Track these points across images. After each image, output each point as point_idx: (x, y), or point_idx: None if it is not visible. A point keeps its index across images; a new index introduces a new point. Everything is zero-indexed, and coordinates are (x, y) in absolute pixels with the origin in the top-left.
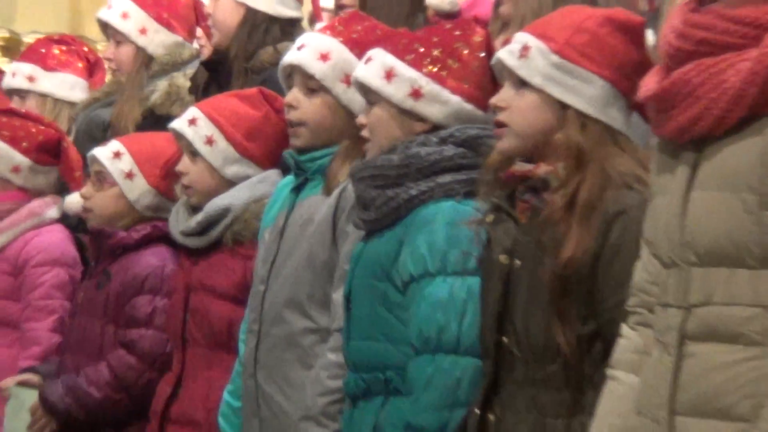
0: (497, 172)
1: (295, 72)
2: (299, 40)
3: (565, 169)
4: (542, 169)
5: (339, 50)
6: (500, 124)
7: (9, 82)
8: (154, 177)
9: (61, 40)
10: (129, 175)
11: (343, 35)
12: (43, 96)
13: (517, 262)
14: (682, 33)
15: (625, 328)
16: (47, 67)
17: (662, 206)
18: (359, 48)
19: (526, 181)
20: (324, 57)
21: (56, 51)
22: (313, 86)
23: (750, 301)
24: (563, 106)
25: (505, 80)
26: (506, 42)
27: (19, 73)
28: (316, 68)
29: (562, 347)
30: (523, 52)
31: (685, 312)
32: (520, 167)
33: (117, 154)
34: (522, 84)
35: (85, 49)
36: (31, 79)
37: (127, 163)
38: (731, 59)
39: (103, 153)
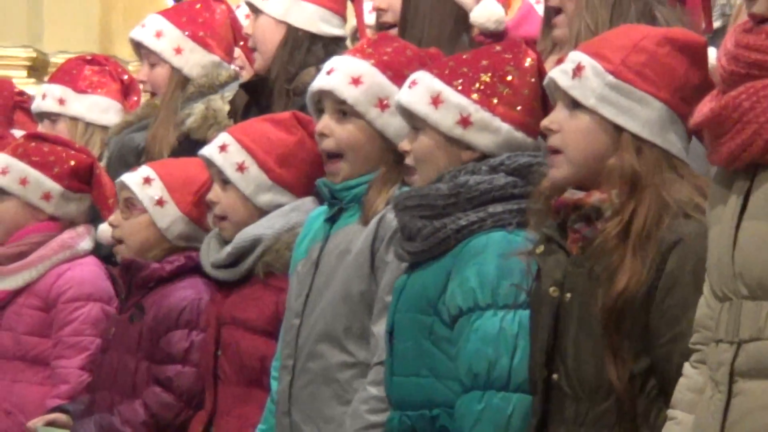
0: (548, 200)
1: (326, 98)
2: (327, 64)
3: (619, 196)
4: (595, 197)
5: (371, 73)
6: (554, 149)
7: (39, 104)
8: (185, 204)
9: (93, 61)
10: (159, 202)
11: (373, 57)
12: (74, 119)
13: (568, 295)
14: (735, 55)
15: (687, 367)
16: (78, 89)
17: (715, 237)
18: (391, 70)
19: (578, 209)
20: (356, 81)
21: (88, 72)
22: (345, 112)
23: None
24: (618, 129)
25: (557, 101)
26: (560, 61)
27: (49, 96)
28: (348, 93)
29: (615, 384)
30: (576, 71)
31: (735, 347)
32: (572, 195)
33: (147, 180)
34: (575, 105)
35: (119, 69)
36: (61, 101)
37: (157, 189)
38: None
39: (132, 179)
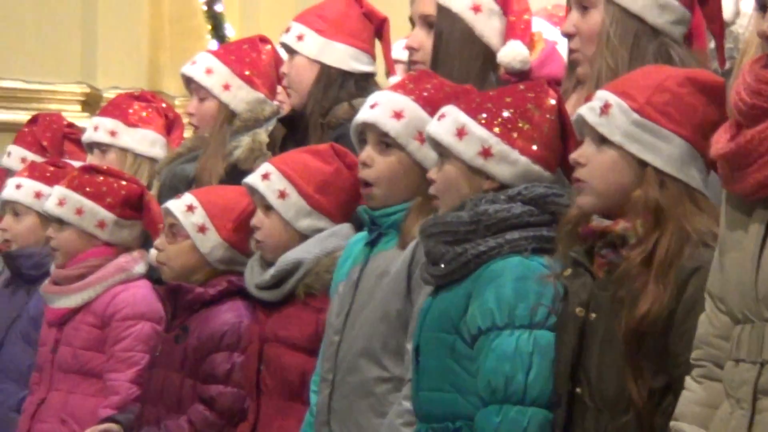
0: (576, 227)
1: (369, 130)
2: (371, 99)
3: (643, 226)
4: (620, 225)
5: (412, 108)
6: (579, 180)
7: (91, 135)
8: (226, 230)
9: (141, 97)
10: (202, 229)
11: (414, 93)
12: (124, 151)
13: (593, 315)
14: (757, 90)
15: (689, 381)
16: (129, 123)
17: (734, 262)
18: (431, 106)
19: (605, 236)
20: (397, 115)
21: (137, 107)
22: (387, 144)
23: None
24: (642, 164)
25: (585, 136)
26: (588, 99)
27: (101, 128)
28: (390, 126)
29: (635, 399)
30: (604, 109)
31: (759, 367)
32: (599, 223)
33: (190, 208)
34: (602, 141)
35: (164, 105)
36: (113, 133)
37: (199, 216)
38: None
39: (176, 206)
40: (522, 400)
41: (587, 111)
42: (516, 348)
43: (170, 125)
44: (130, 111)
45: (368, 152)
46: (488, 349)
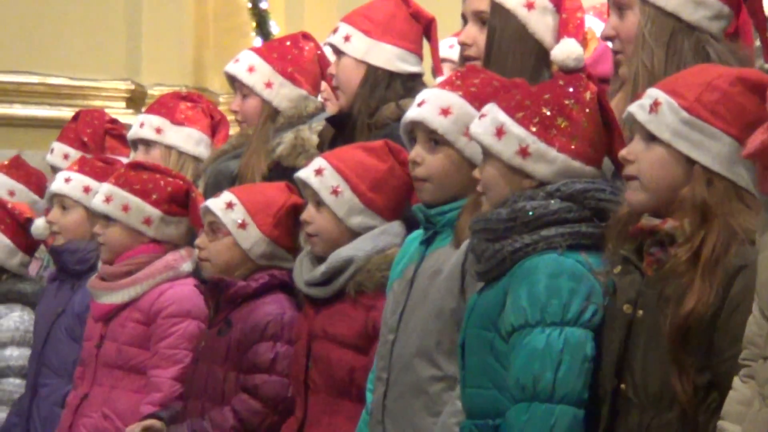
0: (626, 225)
1: (418, 128)
2: (419, 97)
3: (690, 224)
4: (669, 224)
5: (459, 104)
6: (629, 177)
7: (137, 131)
8: (266, 226)
9: (188, 97)
10: (242, 225)
11: (462, 89)
12: (169, 148)
13: (640, 312)
14: None
15: (736, 380)
16: (175, 121)
17: (765, 262)
18: (479, 101)
19: (654, 235)
20: (445, 112)
21: (183, 106)
22: (436, 141)
23: None
24: (690, 162)
25: (635, 133)
26: (638, 97)
27: (147, 124)
28: (438, 123)
29: (679, 396)
30: (653, 107)
31: None
32: (648, 222)
33: (230, 205)
34: (651, 138)
35: (210, 106)
36: (159, 130)
37: (239, 213)
38: None
39: (216, 204)
40: (550, 398)
41: (637, 108)
42: (546, 345)
43: (215, 125)
44: (177, 109)
45: (418, 150)
46: (520, 346)
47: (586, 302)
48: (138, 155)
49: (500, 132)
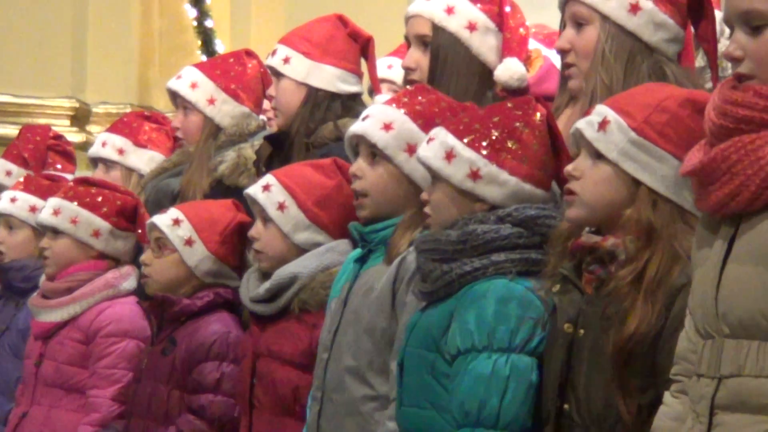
0: (566, 242)
1: (360, 142)
2: (365, 111)
3: (634, 243)
4: (610, 241)
5: (402, 120)
6: (570, 192)
7: (98, 150)
8: (213, 243)
9: (152, 118)
10: (188, 242)
11: (407, 107)
12: (130, 170)
13: (581, 331)
14: (723, 111)
15: (667, 396)
16: (138, 143)
17: (700, 278)
18: (422, 119)
19: (594, 252)
20: (387, 127)
21: (147, 128)
22: (376, 155)
23: None
24: (636, 182)
25: (581, 149)
26: (587, 113)
27: (109, 144)
28: (379, 137)
29: (623, 415)
30: (602, 125)
31: (717, 382)
32: (588, 239)
33: (176, 222)
34: (598, 156)
35: (173, 128)
36: (121, 152)
37: (186, 230)
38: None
39: (162, 220)
40: (495, 424)
41: (585, 125)
42: (493, 371)
43: (177, 148)
44: (141, 131)
45: (358, 164)
46: (465, 370)
47: (533, 329)
48: (98, 173)
49: (450, 155)
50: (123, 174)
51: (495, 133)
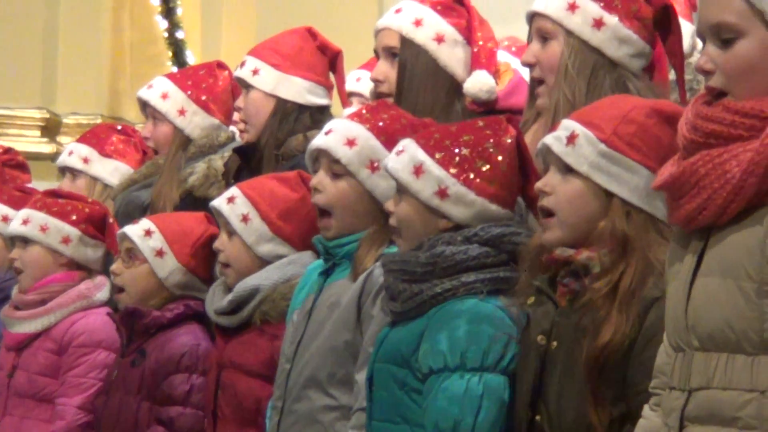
0: (539, 255)
1: (322, 156)
2: (327, 126)
3: (609, 256)
4: (584, 255)
5: (365, 137)
6: (546, 210)
7: (64, 159)
8: (183, 255)
9: (122, 130)
10: (159, 253)
11: (369, 122)
12: (95, 179)
13: (554, 343)
14: (694, 125)
15: (646, 409)
16: (104, 153)
17: (672, 292)
18: (385, 135)
19: (567, 265)
20: (350, 143)
21: (115, 139)
22: (338, 171)
23: (747, 386)
24: (608, 195)
25: (550, 165)
26: (553, 129)
27: (75, 153)
28: (342, 153)
29: (595, 427)
30: (570, 139)
31: (687, 395)
32: (562, 252)
33: (148, 232)
34: (568, 170)
35: (143, 141)
36: (86, 160)
37: (157, 241)
38: (735, 150)
39: (133, 231)
40: None
41: (553, 140)
42: (466, 391)
43: (146, 161)
44: (108, 141)
45: (319, 178)
46: (438, 389)
47: (505, 348)
48: (64, 183)
49: (419, 171)
50: (88, 183)
51: (465, 152)
